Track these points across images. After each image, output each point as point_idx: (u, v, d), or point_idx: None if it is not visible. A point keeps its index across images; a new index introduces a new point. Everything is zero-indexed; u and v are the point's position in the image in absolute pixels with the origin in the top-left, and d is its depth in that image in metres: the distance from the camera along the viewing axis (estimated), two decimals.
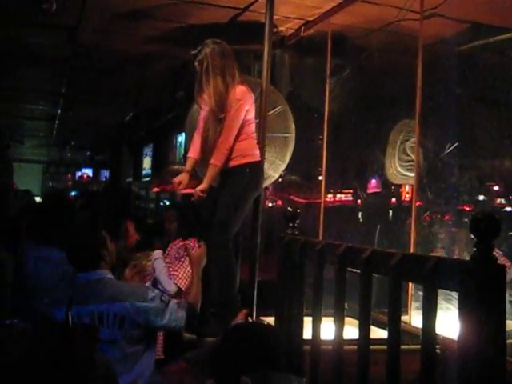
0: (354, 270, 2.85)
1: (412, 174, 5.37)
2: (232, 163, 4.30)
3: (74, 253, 3.50)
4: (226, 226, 4.20)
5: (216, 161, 4.25)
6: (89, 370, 1.74)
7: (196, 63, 4.35)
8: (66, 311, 3.00)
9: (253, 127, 4.44)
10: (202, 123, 4.48)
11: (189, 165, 4.47)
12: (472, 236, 2.19)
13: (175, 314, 3.40)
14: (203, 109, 4.45)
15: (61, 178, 23.37)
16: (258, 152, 4.43)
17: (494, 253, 2.23)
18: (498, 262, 2.20)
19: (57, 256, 4.18)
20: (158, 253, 4.54)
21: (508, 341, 3.60)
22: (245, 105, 4.32)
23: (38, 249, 4.21)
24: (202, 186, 4.24)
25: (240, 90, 4.33)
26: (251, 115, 4.40)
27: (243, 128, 4.34)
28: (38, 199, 13.49)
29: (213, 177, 4.28)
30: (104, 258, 3.47)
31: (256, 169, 4.39)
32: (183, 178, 4.41)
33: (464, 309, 2.15)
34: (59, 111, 12.19)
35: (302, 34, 6.05)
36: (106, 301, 3.30)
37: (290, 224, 3.60)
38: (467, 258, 2.25)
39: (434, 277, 2.31)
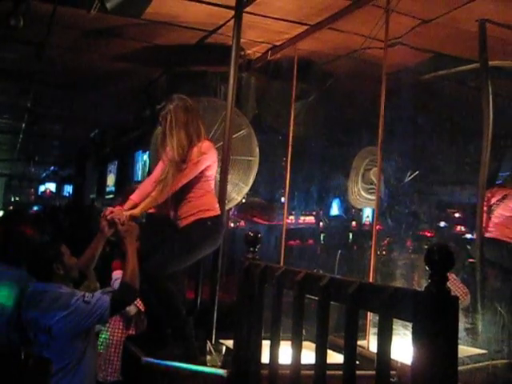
0: (313, 297, 2.87)
1: (374, 198, 5.44)
2: (193, 218, 4.22)
3: (29, 265, 3.78)
4: (164, 266, 4.10)
5: (159, 196, 4.20)
6: None
7: (160, 118, 4.36)
8: (17, 345, 3.15)
9: (212, 184, 4.41)
10: (157, 173, 4.41)
11: (127, 206, 4.30)
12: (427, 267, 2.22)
13: (100, 308, 3.55)
14: (164, 161, 4.38)
15: (23, 192, 23.11)
16: (217, 206, 4.40)
17: (451, 280, 2.27)
18: (453, 292, 2.24)
19: (10, 274, 4.16)
20: (117, 273, 4.52)
21: (462, 367, 3.67)
22: (208, 159, 4.29)
23: None
24: (133, 212, 4.16)
25: (207, 144, 4.32)
26: (212, 172, 4.37)
27: (202, 184, 4.30)
28: None
29: (147, 208, 4.26)
30: (57, 272, 3.66)
31: (217, 223, 4.34)
32: (118, 210, 4.17)
33: (417, 339, 2.18)
34: (24, 125, 12.09)
35: (268, 57, 6.11)
36: (41, 311, 3.55)
37: (251, 248, 3.61)
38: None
39: (390, 307, 2.34)
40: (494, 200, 5.24)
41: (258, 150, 5.44)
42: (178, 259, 4.19)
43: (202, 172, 4.28)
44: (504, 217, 5.26)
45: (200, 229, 4.22)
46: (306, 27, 5.44)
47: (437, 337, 2.12)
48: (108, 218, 4.06)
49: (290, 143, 5.70)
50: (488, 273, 4.96)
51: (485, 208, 4.96)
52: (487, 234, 5.04)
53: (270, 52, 6.10)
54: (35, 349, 3.59)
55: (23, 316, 3.67)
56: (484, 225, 4.92)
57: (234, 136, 4.94)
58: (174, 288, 4.24)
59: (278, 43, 5.94)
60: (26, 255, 3.82)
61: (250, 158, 5.39)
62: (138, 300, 4.96)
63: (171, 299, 4.14)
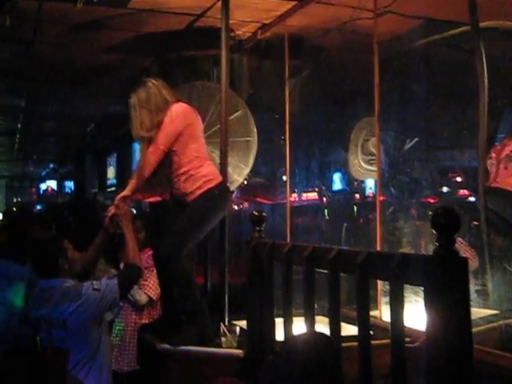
0: (322, 271, 2.89)
1: (375, 168, 5.43)
2: (199, 191, 4.18)
3: (35, 263, 3.82)
4: (181, 243, 4.11)
5: (140, 171, 4.22)
6: None
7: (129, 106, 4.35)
8: (34, 335, 3.20)
9: (205, 147, 4.37)
10: None
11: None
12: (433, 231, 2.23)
13: (110, 292, 3.63)
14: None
15: (25, 192, 23.13)
16: (218, 172, 4.39)
17: (458, 243, 2.27)
18: (461, 254, 2.24)
19: (12, 271, 4.18)
20: None
21: (475, 329, 3.69)
22: (183, 116, 4.24)
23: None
24: (124, 193, 4.19)
25: (177, 106, 4.26)
26: (199, 133, 4.32)
27: (194, 149, 4.23)
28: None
29: (135, 187, 4.23)
30: (62, 267, 3.73)
31: (223, 190, 4.35)
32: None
33: (429, 303, 2.19)
34: (19, 125, 12.06)
35: (258, 37, 6.08)
36: (52, 306, 3.60)
37: (257, 227, 3.62)
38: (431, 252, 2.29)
39: (399, 273, 2.35)
40: (506, 151, 5.15)
41: (255, 129, 5.42)
42: (192, 234, 4.19)
43: (189, 135, 4.22)
44: None
45: (209, 200, 4.20)
46: (293, 3, 5.40)
47: (449, 298, 2.13)
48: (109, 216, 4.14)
49: (287, 121, 5.69)
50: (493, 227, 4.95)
51: (494, 161, 4.94)
52: (493, 184, 5.00)
53: (259, 31, 6.06)
54: (51, 342, 3.61)
55: (33, 315, 3.70)
56: (493, 176, 4.91)
57: (230, 118, 4.93)
58: (191, 270, 4.29)
59: (267, 21, 5.90)
60: (32, 253, 3.87)
61: (248, 139, 5.38)
62: (149, 289, 5.00)
63: (188, 281, 4.18)
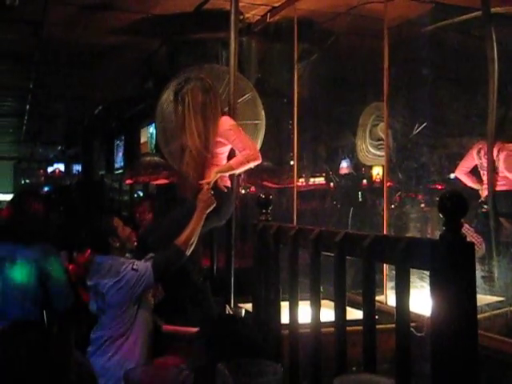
0: (328, 254, 2.88)
1: (383, 154, 5.42)
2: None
3: (87, 241, 4.12)
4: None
5: (235, 165, 4.24)
6: (66, 370, 1.76)
7: (179, 98, 4.33)
8: (41, 310, 3.25)
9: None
10: None
11: None
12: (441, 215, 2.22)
13: (145, 274, 3.72)
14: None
15: (33, 174, 23.18)
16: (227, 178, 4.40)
17: (464, 230, 2.26)
18: (467, 239, 2.24)
19: (28, 253, 4.18)
20: None
21: (481, 315, 3.69)
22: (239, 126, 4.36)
23: (5, 249, 4.20)
24: (208, 181, 4.19)
25: (227, 118, 4.36)
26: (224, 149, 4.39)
27: (217, 158, 4.32)
28: (8, 197, 13.38)
29: (221, 173, 4.24)
30: (113, 245, 3.87)
31: (226, 196, 4.37)
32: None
33: (435, 287, 2.19)
34: (28, 107, 12.07)
35: (268, 20, 6.04)
36: (98, 278, 3.79)
37: (263, 210, 3.62)
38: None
39: (406, 257, 2.35)
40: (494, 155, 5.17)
41: (263, 113, 5.39)
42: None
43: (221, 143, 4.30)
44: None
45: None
46: None
47: (455, 282, 2.13)
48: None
49: (295, 105, 5.67)
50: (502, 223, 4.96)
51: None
52: (498, 188, 5.03)
53: (269, 14, 6.02)
54: (96, 311, 3.83)
55: (87, 284, 3.90)
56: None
57: (238, 101, 4.92)
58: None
59: (276, 4, 5.86)
60: (85, 232, 4.15)
61: (256, 122, 5.35)
62: None
63: (182, 269, 4.22)
